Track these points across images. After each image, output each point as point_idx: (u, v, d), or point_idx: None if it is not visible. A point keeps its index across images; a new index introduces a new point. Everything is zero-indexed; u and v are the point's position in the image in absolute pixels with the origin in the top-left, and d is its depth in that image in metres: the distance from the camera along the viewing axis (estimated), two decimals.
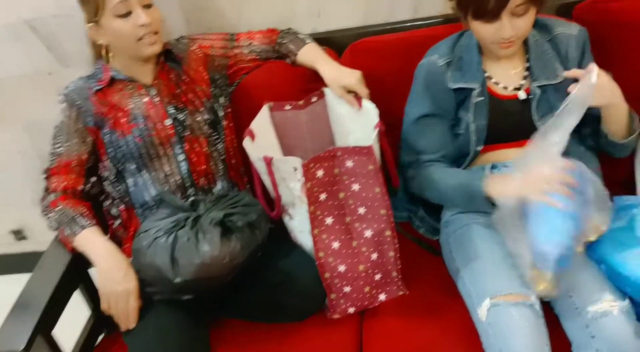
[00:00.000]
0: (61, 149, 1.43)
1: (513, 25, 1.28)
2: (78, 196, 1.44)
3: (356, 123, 1.48)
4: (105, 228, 1.49)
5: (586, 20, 1.55)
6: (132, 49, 1.40)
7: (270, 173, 1.31)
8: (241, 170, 1.59)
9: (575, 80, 1.27)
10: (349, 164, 1.28)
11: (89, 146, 1.44)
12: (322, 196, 1.30)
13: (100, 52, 1.47)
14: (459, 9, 1.35)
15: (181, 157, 1.46)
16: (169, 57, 1.51)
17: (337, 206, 1.31)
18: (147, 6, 1.39)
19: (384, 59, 1.61)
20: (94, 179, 1.47)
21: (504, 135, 1.42)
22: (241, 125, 1.56)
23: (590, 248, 1.27)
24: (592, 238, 1.26)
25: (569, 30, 1.41)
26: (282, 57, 1.62)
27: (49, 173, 1.44)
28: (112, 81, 1.45)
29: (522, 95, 1.40)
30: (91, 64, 1.51)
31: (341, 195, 1.31)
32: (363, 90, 1.47)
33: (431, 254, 1.54)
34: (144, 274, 1.29)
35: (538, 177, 1.20)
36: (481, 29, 1.31)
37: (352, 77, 1.48)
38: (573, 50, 1.39)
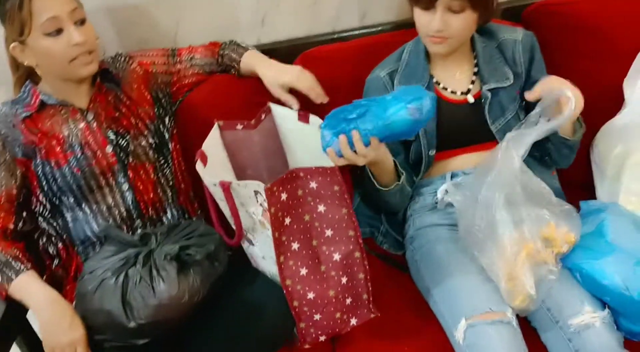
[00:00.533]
0: None
1: (445, 21, 1.27)
2: (9, 236, 1.28)
3: (304, 139, 1.41)
4: (43, 269, 1.34)
5: (535, 24, 1.57)
6: (65, 71, 1.27)
7: (229, 199, 1.21)
8: (191, 194, 1.47)
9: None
10: (313, 185, 1.20)
11: (19, 180, 1.29)
12: (287, 220, 1.21)
13: (24, 75, 1.32)
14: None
15: (125, 186, 1.33)
16: (105, 77, 1.37)
17: (302, 229, 1.23)
18: (80, 22, 1.26)
19: (335, 68, 1.56)
20: (25, 215, 1.31)
21: (458, 140, 1.41)
22: (187, 145, 1.46)
23: (564, 256, 1.24)
24: (564, 249, 1.23)
25: (514, 36, 1.40)
26: (226, 70, 1.53)
27: None
28: (42, 106, 1.30)
29: (470, 99, 1.39)
30: (13, 88, 1.36)
31: (306, 217, 1.23)
32: (305, 88, 1.40)
33: (398, 271, 1.48)
34: (92, 320, 1.15)
35: None
36: (418, 18, 1.32)
37: (291, 73, 1.41)
38: (520, 55, 1.39)
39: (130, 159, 1.34)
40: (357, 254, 1.26)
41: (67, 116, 1.31)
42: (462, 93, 1.40)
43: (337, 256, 1.25)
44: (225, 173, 1.42)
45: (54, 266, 1.35)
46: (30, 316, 1.31)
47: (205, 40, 1.57)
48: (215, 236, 1.25)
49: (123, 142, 1.34)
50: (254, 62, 1.48)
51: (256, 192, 1.18)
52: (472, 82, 1.40)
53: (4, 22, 1.24)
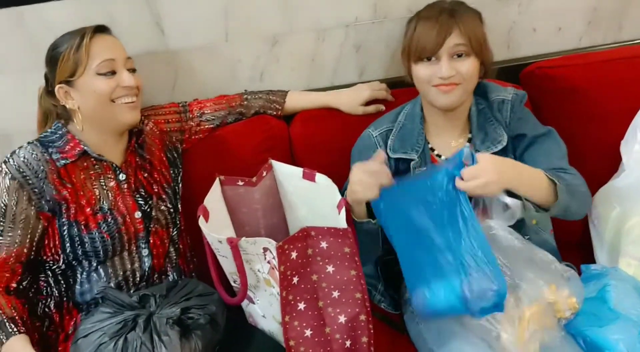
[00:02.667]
0: (1, 240, 1.19)
1: (452, 67, 1.28)
2: (11, 293, 1.21)
3: (308, 197, 1.39)
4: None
5: (531, 85, 1.60)
6: (108, 114, 1.23)
7: (237, 256, 1.17)
8: (188, 256, 1.42)
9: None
10: (324, 245, 1.18)
11: (37, 236, 1.21)
12: (295, 279, 1.18)
13: (62, 117, 1.27)
14: (403, 58, 1.37)
15: (145, 252, 1.29)
16: (138, 137, 1.33)
17: (309, 289, 1.20)
18: (132, 70, 1.26)
19: (335, 128, 1.56)
20: (32, 273, 1.25)
21: None
22: (187, 199, 1.43)
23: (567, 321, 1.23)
24: (567, 315, 1.22)
25: (504, 95, 1.40)
26: (241, 118, 1.53)
27: None
28: (80, 156, 1.24)
29: None
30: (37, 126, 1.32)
31: (314, 277, 1.20)
32: (382, 94, 1.52)
33: (397, 332, 1.44)
34: None
35: None
36: (421, 72, 1.32)
37: (361, 89, 1.53)
38: (507, 114, 1.39)
39: (153, 225, 1.30)
40: (363, 317, 1.22)
41: (100, 172, 1.26)
42: None
43: (342, 318, 1.21)
44: (226, 229, 1.39)
45: (44, 329, 1.27)
46: None
47: (204, 93, 1.56)
48: (215, 296, 1.21)
49: (147, 207, 1.30)
50: (310, 100, 1.54)
51: (265, 249, 1.16)
52: None
53: (57, 63, 1.21)
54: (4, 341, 1.13)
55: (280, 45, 1.60)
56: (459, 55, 1.29)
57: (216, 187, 1.38)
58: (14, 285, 1.21)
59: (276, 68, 1.63)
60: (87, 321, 1.14)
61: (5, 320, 1.15)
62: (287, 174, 1.42)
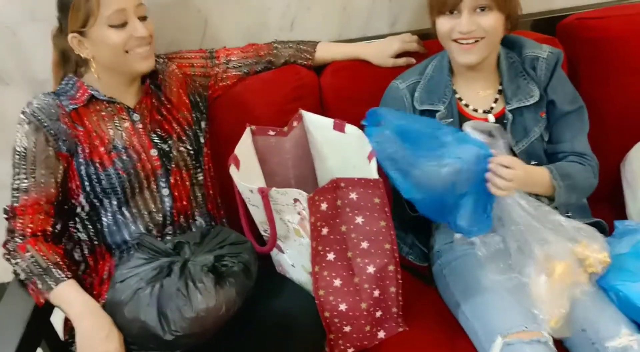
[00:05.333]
0: (26, 183, 1.22)
1: (474, 21, 1.25)
2: (49, 239, 1.24)
3: (338, 147, 1.38)
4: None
5: (569, 38, 1.55)
6: (123, 63, 1.24)
7: (267, 206, 1.19)
8: (218, 201, 1.44)
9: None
10: (353, 196, 1.19)
11: (59, 177, 1.24)
12: (324, 230, 1.19)
13: (70, 70, 1.29)
14: (429, 11, 1.34)
15: (166, 192, 1.30)
16: (153, 79, 1.34)
17: (338, 240, 1.21)
18: (143, 18, 1.24)
19: (365, 79, 1.54)
20: (63, 217, 1.28)
21: None
22: (215, 149, 1.44)
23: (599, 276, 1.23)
24: (599, 270, 1.22)
25: (538, 52, 1.36)
26: (270, 67, 1.52)
27: (13, 212, 1.23)
28: (89, 101, 1.27)
29: (491, 118, 1.36)
30: (53, 83, 1.33)
31: (343, 228, 1.21)
32: (414, 46, 1.51)
33: (424, 284, 1.46)
34: (125, 330, 1.13)
35: None
36: (442, 26, 1.29)
37: (392, 41, 1.51)
38: (542, 73, 1.35)
39: (172, 165, 1.31)
40: (391, 268, 1.24)
41: (113, 113, 1.28)
42: (484, 112, 1.37)
43: (371, 269, 1.23)
44: (256, 179, 1.40)
45: (80, 273, 1.31)
46: (54, 321, 1.29)
47: (234, 42, 1.55)
48: (248, 244, 1.22)
49: (166, 147, 1.31)
50: (340, 51, 1.54)
51: (296, 200, 1.16)
52: (496, 101, 1.37)
53: (68, 11, 1.20)
54: (54, 286, 1.16)
55: None
56: (482, 9, 1.25)
57: (247, 137, 1.38)
58: (50, 229, 1.24)
59: (307, 17, 1.61)
60: (123, 267, 1.17)
61: (51, 266, 1.18)
62: (317, 124, 1.41)
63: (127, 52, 1.22)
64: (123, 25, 1.21)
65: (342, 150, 1.36)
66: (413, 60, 1.52)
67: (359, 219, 1.20)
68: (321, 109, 1.55)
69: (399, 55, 1.52)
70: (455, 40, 1.29)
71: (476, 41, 1.27)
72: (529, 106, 1.34)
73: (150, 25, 1.25)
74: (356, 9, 1.62)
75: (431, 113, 1.38)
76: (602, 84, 1.36)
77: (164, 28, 1.54)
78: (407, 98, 1.39)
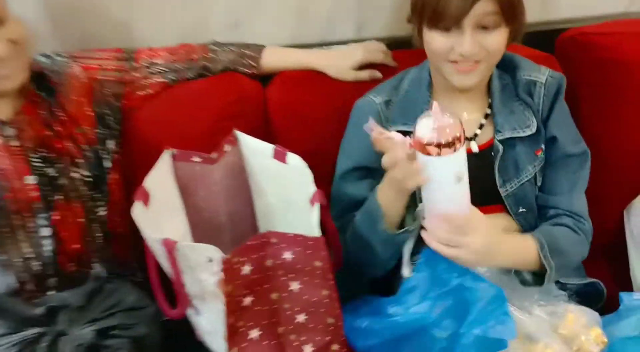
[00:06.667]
0: None
1: (476, 41, 1.01)
2: None
3: (278, 180, 1.14)
4: None
5: (569, 55, 1.31)
6: None
7: (173, 263, 0.91)
8: (130, 241, 1.17)
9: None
10: (288, 256, 0.91)
11: None
12: (247, 300, 0.92)
13: None
14: (414, 17, 1.09)
15: (45, 231, 1.04)
16: (41, 84, 1.08)
17: (266, 312, 0.94)
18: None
19: (321, 94, 1.28)
20: None
21: None
22: (130, 175, 1.18)
23: None
24: (596, 351, 0.97)
25: (536, 76, 1.13)
26: (205, 75, 1.27)
27: None
28: None
29: (474, 147, 1.12)
30: None
31: (274, 296, 0.94)
32: (379, 57, 1.28)
33: None
34: None
35: None
36: (436, 42, 1.04)
37: (355, 49, 1.28)
38: (540, 101, 1.12)
39: (58, 195, 1.05)
40: (335, 347, 0.97)
41: None
42: (466, 139, 1.12)
43: (309, 349, 0.96)
44: (175, 216, 1.12)
45: None
46: None
47: (162, 40, 1.30)
48: (149, 310, 0.97)
49: (52, 171, 1.06)
50: (292, 58, 1.29)
51: (210, 259, 0.89)
52: (481, 127, 1.13)
53: None
54: None
55: None
56: (485, 26, 1.01)
57: (165, 163, 1.11)
58: None
59: (256, 15, 1.35)
60: None
61: None
62: (254, 149, 1.15)
63: None
64: None
65: (284, 185, 1.10)
66: (379, 75, 1.28)
67: (295, 286, 0.93)
68: (265, 130, 1.29)
69: (362, 67, 1.28)
70: (451, 61, 1.04)
71: (476, 62, 1.03)
72: (523, 138, 1.10)
73: (15, 28, 0.99)
74: (316, 8, 1.37)
75: (405, 134, 1.12)
76: (607, 117, 1.14)
77: (72, 18, 1.28)
78: (383, 113, 1.16)
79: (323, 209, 0.96)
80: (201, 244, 0.87)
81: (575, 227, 1.10)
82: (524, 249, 1.04)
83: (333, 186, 1.19)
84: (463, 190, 0.92)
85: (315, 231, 0.90)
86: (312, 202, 0.97)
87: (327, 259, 0.90)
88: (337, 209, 1.16)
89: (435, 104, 0.90)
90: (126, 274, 1.13)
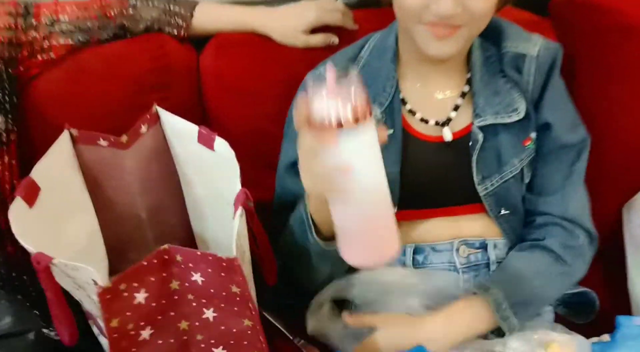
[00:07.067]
0: None
1: (459, 1, 0.80)
2: None
3: (201, 170, 0.96)
4: None
5: (567, 22, 1.11)
6: None
7: (49, 285, 0.71)
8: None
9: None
10: (197, 278, 0.72)
11: None
12: (145, 334, 0.72)
13: None
14: None
15: None
16: None
17: (174, 345, 0.75)
18: None
19: (264, 62, 1.09)
20: None
21: (426, 196, 0.95)
22: (29, 159, 0.94)
23: None
24: None
25: (525, 48, 0.93)
26: (123, 35, 1.07)
27: None
28: None
29: (447, 135, 0.92)
30: None
31: (183, 325, 0.75)
32: (338, 19, 1.08)
33: None
34: None
35: None
36: (409, 1, 0.82)
37: (309, 8, 1.08)
38: (530, 79, 0.93)
39: None
40: None
41: None
42: (437, 123, 0.93)
43: None
44: (76, 216, 0.92)
45: None
46: None
47: None
48: (28, 337, 0.77)
49: None
50: (232, 17, 1.09)
51: (95, 282, 0.69)
52: (456, 108, 0.93)
53: None
54: None
55: None
56: None
57: (63, 147, 0.91)
58: None
59: None
60: None
61: None
62: (179, 131, 0.95)
63: None
64: None
65: (212, 177, 0.91)
66: (335, 40, 1.07)
67: (209, 313, 0.74)
68: (199, 103, 1.09)
69: (315, 30, 1.07)
70: (426, 24, 0.83)
71: (456, 27, 0.83)
72: (509, 125, 0.91)
73: None
74: None
75: None
76: (608, 96, 0.97)
77: None
78: None
79: (249, 214, 0.76)
80: (79, 265, 0.67)
81: (562, 250, 0.91)
82: (477, 317, 0.88)
83: (277, 177, 1.00)
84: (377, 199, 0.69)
85: (232, 246, 0.70)
86: (235, 204, 0.76)
87: (244, 284, 0.70)
88: (278, 204, 0.98)
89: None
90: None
